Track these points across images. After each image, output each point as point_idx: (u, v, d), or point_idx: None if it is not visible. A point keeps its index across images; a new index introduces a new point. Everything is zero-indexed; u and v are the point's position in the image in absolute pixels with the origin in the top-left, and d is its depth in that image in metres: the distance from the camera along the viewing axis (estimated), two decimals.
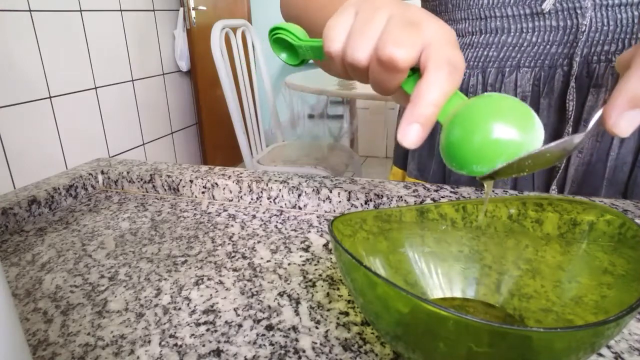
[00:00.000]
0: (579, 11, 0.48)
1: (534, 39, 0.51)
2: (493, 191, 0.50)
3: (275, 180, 0.54)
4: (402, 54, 0.26)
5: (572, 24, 0.48)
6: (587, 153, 0.51)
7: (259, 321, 0.33)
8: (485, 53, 0.54)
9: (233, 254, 0.43)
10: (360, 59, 0.28)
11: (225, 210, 0.53)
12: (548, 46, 0.50)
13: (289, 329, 0.32)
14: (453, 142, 0.24)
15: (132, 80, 2.27)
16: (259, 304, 0.35)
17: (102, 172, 0.61)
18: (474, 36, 0.54)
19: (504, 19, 0.51)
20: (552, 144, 0.23)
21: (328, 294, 0.36)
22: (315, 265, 0.40)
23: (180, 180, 0.57)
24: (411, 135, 0.26)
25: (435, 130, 0.59)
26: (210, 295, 0.36)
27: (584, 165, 0.51)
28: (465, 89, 0.56)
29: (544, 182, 0.54)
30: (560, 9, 0.48)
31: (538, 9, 0.49)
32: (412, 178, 0.63)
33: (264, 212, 0.52)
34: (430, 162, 0.61)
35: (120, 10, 2.16)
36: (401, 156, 0.67)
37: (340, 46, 0.30)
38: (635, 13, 0.46)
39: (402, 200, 0.49)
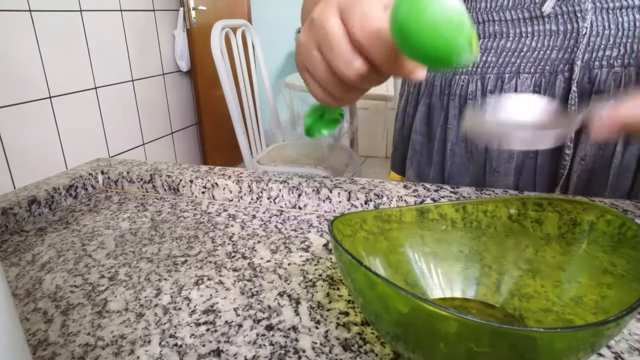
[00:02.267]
0: (579, 14, 0.46)
1: (533, 44, 0.49)
2: (493, 191, 0.50)
3: (275, 180, 0.54)
4: (352, 72, 0.30)
5: (573, 28, 0.47)
6: (590, 160, 0.50)
7: (259, 321, 0.33)
8: (484, 58, 0.52)
9: (233, 254, 0.43)
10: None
11: (225, 210, 0.53)
12: (548, 51, 0.49)
13: (289, 329, 0.32)
14: (402, 20, 0.23)
15: (132, 80, 2.27)
16: (259, 304, 0.35)
17: (102, 172, 0.61)
18: None
19: (503, 23, 0.50)
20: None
21: (328, 294, 0.36)
22: (315, 265, 0.40)
23: (180, 180, 0.57)
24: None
25: (434, 136, 0.58)
26: (210, 295, 0.36)
27: (587, 173, 0.50)
28: (464, 96, 0.54)
29: (547, 188, 0.53)
30: (560, 13, 0.47)
31: (537, 13, 0.48)
32: None
33: (264, 212, 0.52)
34: (429, 168, 0.60)
35: (120, 10, 2.16)
36: (399, 161, 0.66)
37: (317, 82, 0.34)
38: (637, 16, 0.45)
39: (402, 200, 0.49)
